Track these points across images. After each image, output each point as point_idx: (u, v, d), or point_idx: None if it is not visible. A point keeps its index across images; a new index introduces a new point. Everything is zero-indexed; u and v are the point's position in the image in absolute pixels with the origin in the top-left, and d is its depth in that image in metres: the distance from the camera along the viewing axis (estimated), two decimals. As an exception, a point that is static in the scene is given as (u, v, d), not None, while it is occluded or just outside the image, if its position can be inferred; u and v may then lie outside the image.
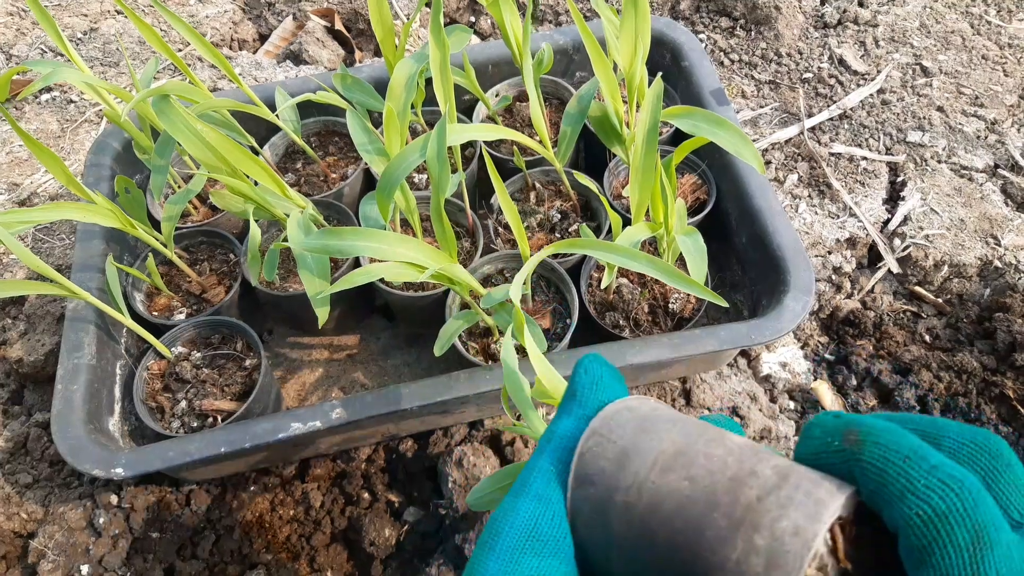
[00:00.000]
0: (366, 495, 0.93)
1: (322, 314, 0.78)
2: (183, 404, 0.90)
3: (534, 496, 0.33)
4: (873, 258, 1.14)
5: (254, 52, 1.51)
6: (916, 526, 0.25)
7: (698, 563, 0.28)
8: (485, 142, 1.05)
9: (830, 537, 0.27)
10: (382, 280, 0.92)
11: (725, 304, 0.68)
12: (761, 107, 1.30)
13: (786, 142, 1.25)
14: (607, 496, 0.31)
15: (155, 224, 1.00)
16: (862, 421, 0.27)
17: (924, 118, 1.26)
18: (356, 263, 0.96)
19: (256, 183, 0.82)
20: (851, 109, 1.28)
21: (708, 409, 0.98)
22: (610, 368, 0.37)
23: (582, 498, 0.32)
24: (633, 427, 0.33)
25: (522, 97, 1.14)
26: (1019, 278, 1.05)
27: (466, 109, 1.14)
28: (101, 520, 0.89)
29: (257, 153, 1.06)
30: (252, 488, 0.93)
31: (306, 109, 1.08)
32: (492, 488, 0.70)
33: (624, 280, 0.95)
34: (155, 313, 0.98)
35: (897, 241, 1.12)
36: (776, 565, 0.26)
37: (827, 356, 1.05)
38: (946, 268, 1.09)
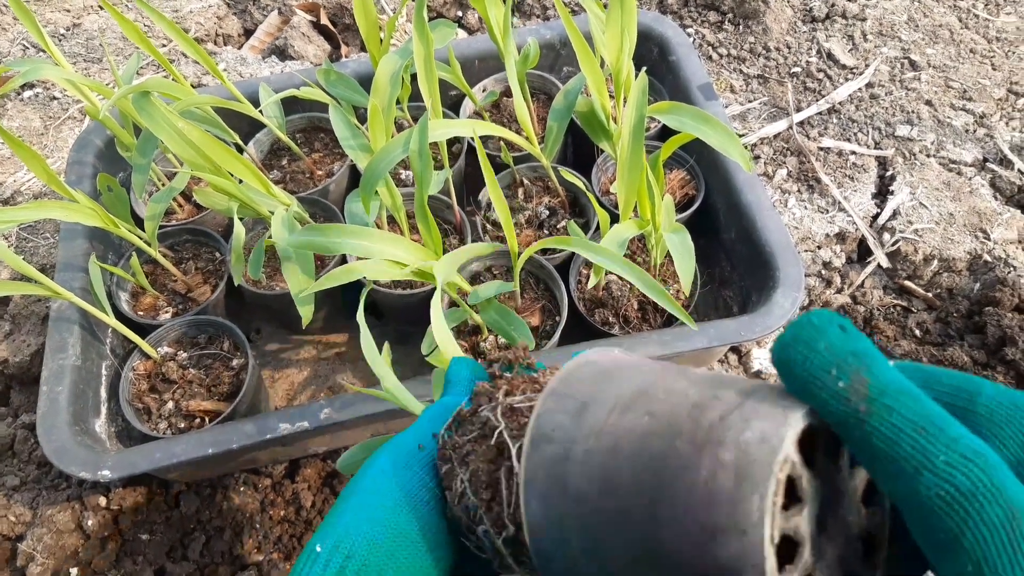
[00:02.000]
0: (355, 494, 0.92)
1: (305, 313, 0.78)
2: (170, 405, 0.89)
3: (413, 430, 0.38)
4: (863, 253, 1.14)
5: (239, 47, 1.49)
6: (938, 507, 0.23)
7: (665, 499, 0.26)
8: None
9: (797, 450, 0.25)
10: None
11: (695, 327, 0.70)
12: (750, 101, 1.30)
13: (775, 136, 1.25)
14: (565, 451, 0.29)
15: (139, 222, 0.99)
16: (874, 369, 0.24)
17: (913, 112, 1.25)
18: (343, 261, 0.96)
19: (240, 181, 0.81)
20: (840, 103, 1.28)
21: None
22: (480, 367, 0.43)
23: (538, 461, 0.30)
24: (592, 379, 0.31)
25: (509, 92, 1.13)
26: (1008, 272, 1.05)
27: (452, 104, 1.14)
28: (90, 522, 0.89)
29: (241, 150, 1.05)
30: (242, 489, 0.93)
31: (291, 105, 1.07)
32: (361, 454, 0.70)
33: (614, 277, 0.95)
34: (140, 313, 0.97)
35: (886, 235, 1.12)
36: (745, 477, 0.24)
37: (817, 351, 1.05)
38: (936, 262, 1.09)
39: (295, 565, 0.35)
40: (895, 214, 1.14)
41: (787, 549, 0.25)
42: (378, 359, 0.61)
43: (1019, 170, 1.19)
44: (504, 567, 0.35)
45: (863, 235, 1.13)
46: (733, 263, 1.02)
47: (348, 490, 0.36)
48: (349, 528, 0.34)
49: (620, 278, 0.95)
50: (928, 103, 1.27)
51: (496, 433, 0.34)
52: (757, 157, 1.23)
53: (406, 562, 0.34)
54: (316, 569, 0.33)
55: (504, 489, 0.32)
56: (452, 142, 1.09)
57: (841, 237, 1.13)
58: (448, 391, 0.41)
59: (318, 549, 0.34)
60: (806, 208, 1.16)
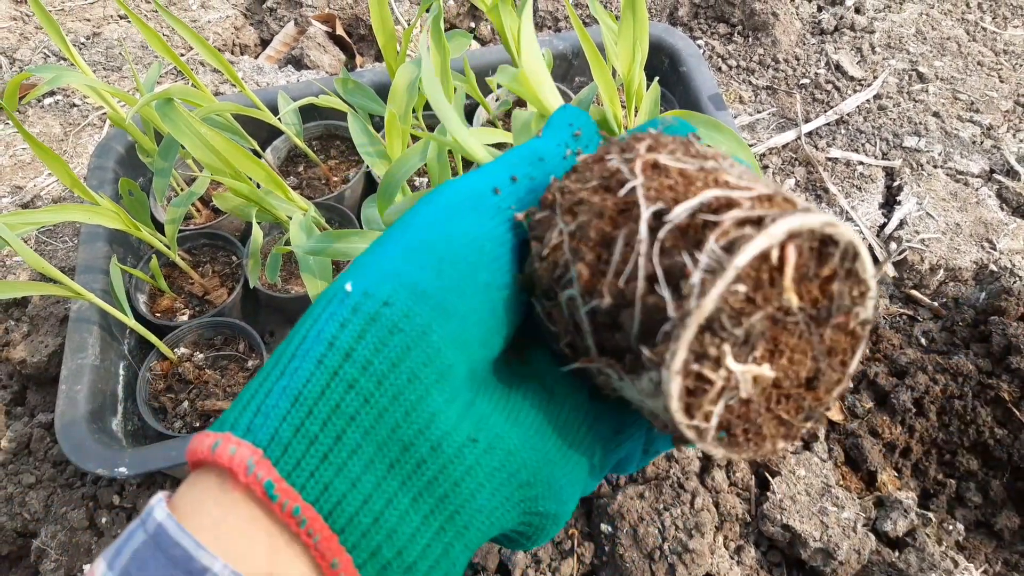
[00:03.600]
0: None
1: (324, 315, 0.79)
2: (185, 405, 0.91)
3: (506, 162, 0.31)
4: (869, 262, 1.15)
5: (256, 57, 1.52)
6: None
7: None
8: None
9: None
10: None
11: None
12: (759, 112, 1.32)
13: (783, 147, 1.27)
14: None
15: (158, 226, 1.01)
16: None
17: (920, 123, 1.27)
18: (357, 265, 0.97)
19: (259, 186, 0.83)
20: (848, 114, 1.29)
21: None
22: (591, 121, 0.34)
23: None
24: None
25: (522, 102, 1.15)
26: (1014, 282, 1.06)
27: (467, 113, 1.15)
28: (103, 520, 0.90)
29: (259, 156, 1.07)
30: (253, 488, 0.94)
31: (308, 113, 1.09)
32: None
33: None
34: (158, 314, 0.98)
35: (893, 245, 1.13)
36: None
37: (824, 359, 1.06)
38: (942, 272, 1.10)
39: (315, 303, 0.28)
40: (902, 224, 1.15)
41: None
42: (435, 82, 0.45)
43: (1026, 182, 1.20)
44: (571, 346, 0.30)
45: (870, 244, 1.14)
46: (741, 271, 1.03)
47: (396, 228, 0.29)
48: (390, 271, 0.27)
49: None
50: (935, 115, 1.28)
51: (628, 188, 0.28)
52: (766, 167, 1.24)
53: (459, 322, 0.27)
54: (342, 311, 0.27)
55: (617, 254, 0.27)
56: (465, 150, 1.11)
57: (848, 247, 1.14)
58: (545, 135, 0.32)
59: (348, 288, 0.27)
60: (814, 218, 1.17)
